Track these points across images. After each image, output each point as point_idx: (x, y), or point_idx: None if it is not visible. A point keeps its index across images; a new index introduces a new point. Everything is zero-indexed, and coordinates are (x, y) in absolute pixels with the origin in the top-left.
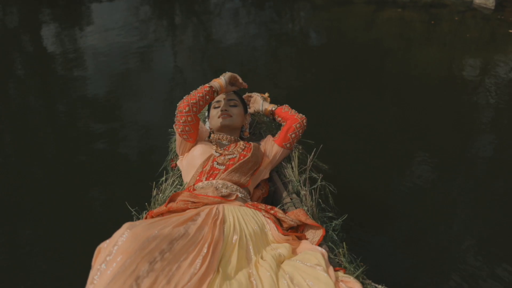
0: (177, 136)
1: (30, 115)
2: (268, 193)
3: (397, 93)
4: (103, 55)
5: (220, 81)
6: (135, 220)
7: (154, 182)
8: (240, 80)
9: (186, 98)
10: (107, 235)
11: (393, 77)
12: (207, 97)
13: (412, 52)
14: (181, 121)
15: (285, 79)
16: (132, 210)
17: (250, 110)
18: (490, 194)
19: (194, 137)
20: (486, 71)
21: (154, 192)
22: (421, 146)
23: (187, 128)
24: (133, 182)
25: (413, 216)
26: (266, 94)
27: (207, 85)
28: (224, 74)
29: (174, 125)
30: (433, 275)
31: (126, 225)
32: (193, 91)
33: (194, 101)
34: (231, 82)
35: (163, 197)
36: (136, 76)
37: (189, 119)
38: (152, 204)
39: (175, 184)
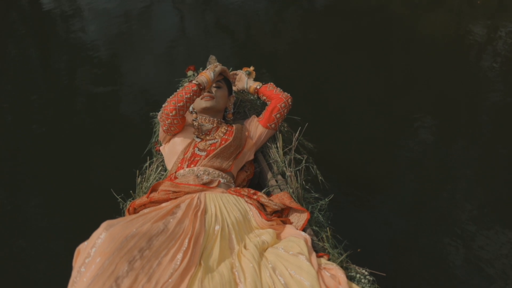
0: (161, 130)
1: (27, 74)
2: (254, 174)
3: (401, 61)
4: (103, 14)
5: (207, 75)
6: (121, 206)
7: (138, 170)
8: (229, 74)
9: (172, 99)
10: (92, 225)
11: (397, 43)
12: (195, 96)
13: (419, 18)
14: (167, 122)
15: (286, 41)
16: (117, 197)
17: (235, 88)
18: (493, 159)
19: (178, 132)
20: (494, 36)
21: (138, 180)
22: (422, 114)
23: (172, 128)
24: (121, 159)
25: (405, 192)
26: (251, 68)
27: (194, 83)
28: (212, 66)
29: (159, 119)
30: (420, 256)
31: (103, 225)
32: (180, 89)
33: (182, 104)
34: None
35: (147, 184)
36: (137, 34)
37: (175, 121)
38: (137, 191)
39: (159, 170)
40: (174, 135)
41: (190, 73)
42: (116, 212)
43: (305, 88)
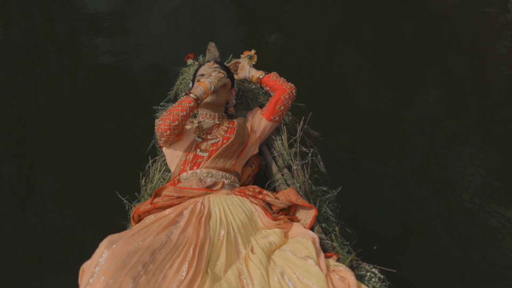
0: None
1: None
2: (259, 168)
3: (410, 35)
4: None
5: (206, 86)
6: (127, 207)
7: (141, 172)
8: (229, 87)
9: (167, 118)
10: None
11: (408, 16)
12: (191, 113)
13: None
14: (162, 139)
15: (293, 11)
16: (123, 199)
17: (237, 77)
18: (502, 129)
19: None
20: (507, 8)
21: (143, 182)
22: (431, 91)
23: (169, 143)
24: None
25: (415, 182)
26: (253, 51)
27: (191, 98)
28: (214, 78)
29: (155, 131)
30: (431, 247)
31: (105, 243)
32: (176, 105)
33: (177, 123)
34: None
35: (152, 185)
36: None
37: (170, 139)
38: (141, 193)
39: (163, 170)
40: None
41: (190, 61)
42: (121, 211)
43: (309, 69)
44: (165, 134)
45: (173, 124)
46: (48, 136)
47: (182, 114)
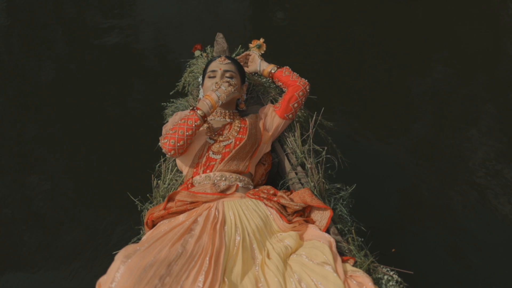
0: None
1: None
2: (272, 165)
3: (423, 10)
4: None
5: (213, 99)
6: (139, 208)
7: (152, 174)
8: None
9: (172, 137)
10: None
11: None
12: (197, 130)
13: None
14: (167, 156)
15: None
16: (135, 200)
17: (248, 70)
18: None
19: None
20: None
21: (154, 183)
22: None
23: (175, 157)
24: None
25: (427, 174)
26: (261, 40)
27: (198, 115)
28: (223, 93)
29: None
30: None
31: (120, 258)
32: (181, 123)
33: (182, 143)
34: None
35: (164, 186)
36: None
37: (175, 156)
38: (154, 194)
39: (174, 170)
40: None
41: (197, 53)
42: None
43: (318, 56)
44: (169, 153)
45: (178, 144)
46: (50, 133)
47: (187, 133)
